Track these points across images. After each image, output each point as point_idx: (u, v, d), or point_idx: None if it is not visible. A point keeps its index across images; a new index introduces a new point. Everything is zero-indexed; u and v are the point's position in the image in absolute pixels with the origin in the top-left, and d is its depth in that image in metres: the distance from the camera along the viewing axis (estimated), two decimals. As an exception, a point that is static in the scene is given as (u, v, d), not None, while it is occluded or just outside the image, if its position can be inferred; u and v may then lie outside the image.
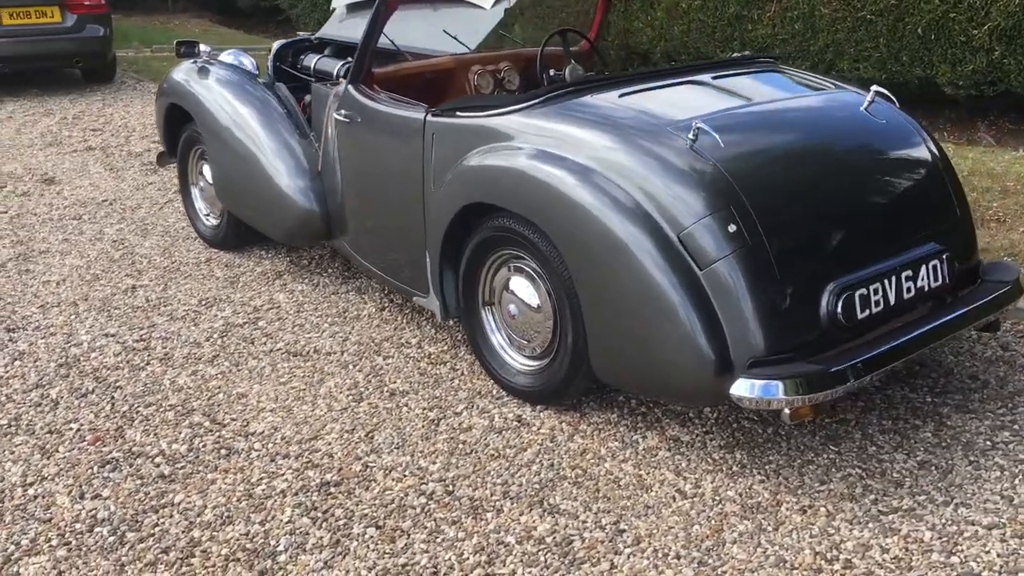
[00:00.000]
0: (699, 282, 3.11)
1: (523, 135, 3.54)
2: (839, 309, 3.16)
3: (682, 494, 3.17)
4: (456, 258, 3.84)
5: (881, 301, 3.29)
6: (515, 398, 3.76)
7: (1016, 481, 3.18)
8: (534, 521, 3.04)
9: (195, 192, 5.62)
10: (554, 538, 2.96)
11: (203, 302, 4.77)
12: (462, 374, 3.98)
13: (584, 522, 3.04)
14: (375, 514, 3.08)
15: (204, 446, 3.49)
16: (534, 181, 3.40)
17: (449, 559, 2.88)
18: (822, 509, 3.07)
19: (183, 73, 5.35)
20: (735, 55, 4.49)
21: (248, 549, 2.93)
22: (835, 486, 3.19)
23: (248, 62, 5.50)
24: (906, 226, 3.49)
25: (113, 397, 3.85)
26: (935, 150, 3.77)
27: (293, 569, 2.85)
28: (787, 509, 3.08)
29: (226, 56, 5.56)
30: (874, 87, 3.79)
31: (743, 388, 3.01)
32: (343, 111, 4.33)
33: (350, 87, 4.31)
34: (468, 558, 2.88)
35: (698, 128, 3.22)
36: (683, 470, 3.30)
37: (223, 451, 3.46)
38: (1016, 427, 3.49)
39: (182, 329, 4.46)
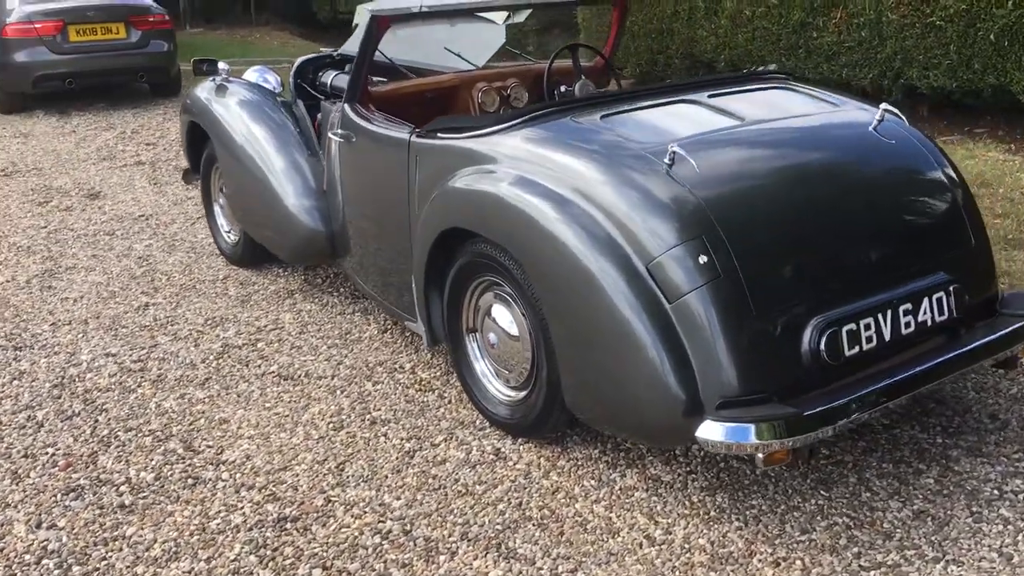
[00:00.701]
0: (668, 316, 2.91)
1: (501, 158, 3.39)
2: (822, 346, 2.93)
3: (651, 540, 2.98)
4: (441, 283, 3.71)
5: (874, 337, 3.05)
6: (497, 429, 3.61)
7: (1019, 537, 2.90)
8: (487, 566, 2.88)
9: (217, 209, 5.62)
10: (503, 586, 2.81)
11: (209, 321, 4.74)
12: (449, 402, 3.85)
13: (540, 569, 2.87)
14: (325, 554, 2.97)
15: (172, 475, 3.42)
16: (507, 207, 3.25)
17: (388, 606, 2.75)
18: (798, 562, 2.85)
19: (204, 91, 5.35)
20: (746, 70, 4.25)
21: (187, 588, 2.85)
22: (818, 536, 2.96)
23: (272, 79, 5.48)
24: (908, 255, 3.24)
25: (97, 420, 3.82)
26: (950, 173, 3.49)
27: (228, 611, 2.76)
28: (760, 560, 2.87)
29: (251, 73, 5.54)
30: (883, 105, 3.54)
31: (711, 431, 2.81)
32: (339, 130, 4.25)
33: (346, 106, 4.22)
34: (408, 605, 2.75)
35: (673, 152, 3.03)
36: (657, 513, 3.10)
37: (189, 480, 3.39)
38: (1031, 474, 3.21)
39: (182, 350, 4.43)
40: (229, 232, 5.54)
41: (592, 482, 3.28)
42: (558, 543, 2.98)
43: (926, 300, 3.18)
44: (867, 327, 3.05)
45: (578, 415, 3.24)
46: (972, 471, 3.24)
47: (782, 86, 3.88)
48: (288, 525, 3.11)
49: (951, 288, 3.23)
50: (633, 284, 2.95)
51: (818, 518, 3.04)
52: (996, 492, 3.12)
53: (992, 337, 3.24)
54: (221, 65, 5.31)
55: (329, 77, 5.17)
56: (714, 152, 3.20)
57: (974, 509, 3.04)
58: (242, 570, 2.91)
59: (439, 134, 3.65)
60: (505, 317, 3.47)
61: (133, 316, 4.85)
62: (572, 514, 3.11)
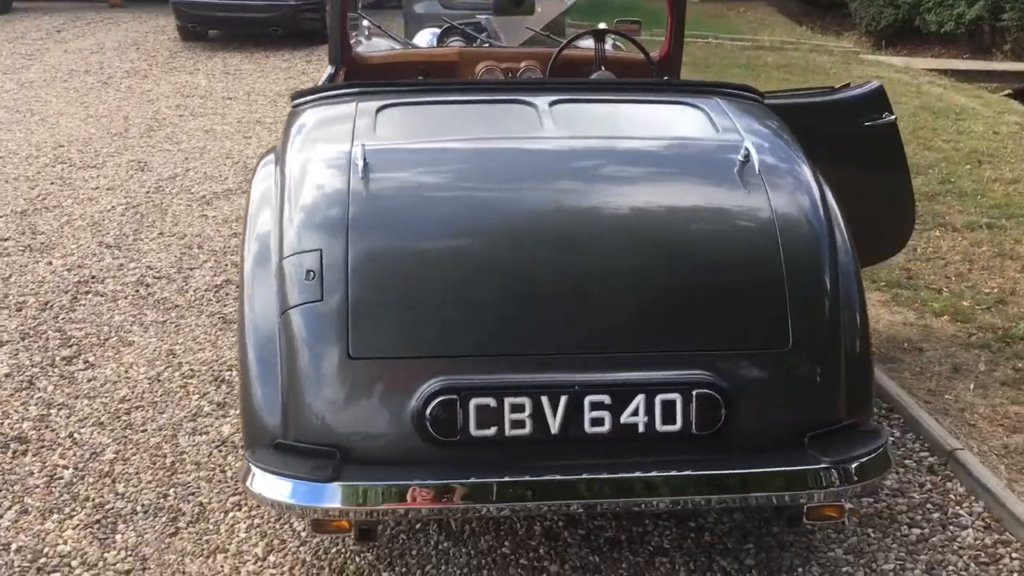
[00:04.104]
0: (274, 329, 2.54)
1: (291, 133, 3.15)
2: (428, 414, 2.36)
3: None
4: None
5: (529, 423, 2.36)
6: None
7: None
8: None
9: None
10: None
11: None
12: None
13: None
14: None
15: (20, 374, 3.72)
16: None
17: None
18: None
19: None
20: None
21: None
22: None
23: None
24: (641, 338, 2.44)
25: (68, 317, 4.24)
26: (809, 254, 2.55)
27: None
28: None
29: (423, 33, 5.60)
30: (746, 144, 2.68)
31: (245, 473, 2.43)
32: (321, 91, 4.19)
33: (329, 69, 4.15)
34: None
35: (363, 155, 2.62)
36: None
37: (24, 383, 3.65)
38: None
39: (199, 277, 4.69)
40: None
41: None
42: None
43: (641, 399, 2.39)
44: (518, 408, 2.37)
45: None
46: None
47: (692, 104, 3.08)
48: (12, 445, 3.26)
49: (694, 393, 2.39)
50: (262, 285, 2.61)
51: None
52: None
53: (734, 471, 2.37)
54: (364, 23, 5.41)
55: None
56: (421, 164, 2.73)
57: None
58: None
59: (293, 101, 3.46)
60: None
61: (222, 240, 5.23)
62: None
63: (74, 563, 2.71)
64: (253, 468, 2.40)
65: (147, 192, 6.04)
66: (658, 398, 2.37)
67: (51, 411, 3.48)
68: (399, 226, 2.55)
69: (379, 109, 2.97)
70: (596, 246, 2.52)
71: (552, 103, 2.98)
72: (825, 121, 3.75)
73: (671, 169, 2.75)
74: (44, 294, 4.48)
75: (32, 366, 3.80)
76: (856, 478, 2.39)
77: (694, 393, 2.37)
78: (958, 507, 2.95)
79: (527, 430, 2.36)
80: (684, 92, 3.17)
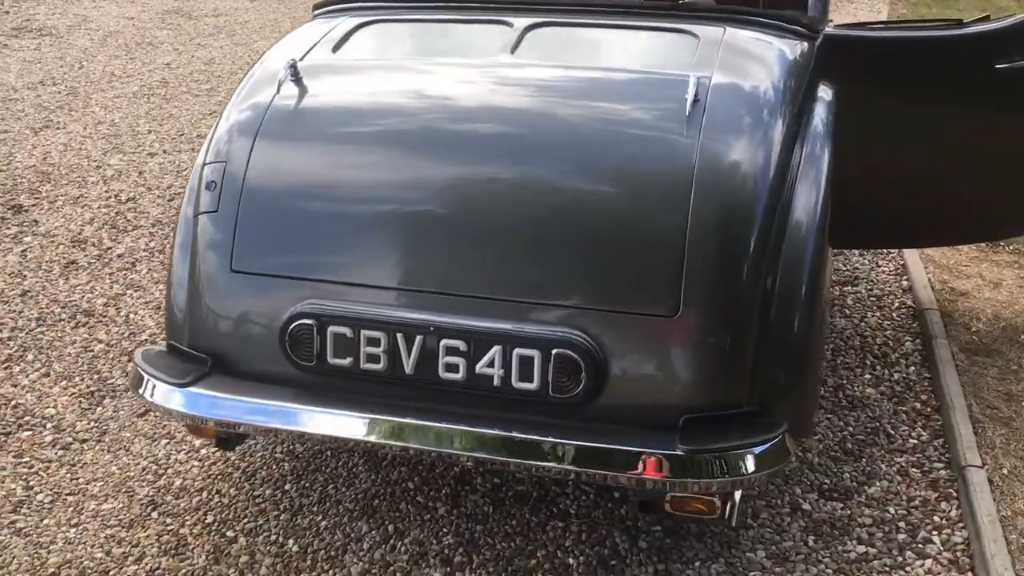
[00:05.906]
0: (191, 230, 2.61)
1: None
2: (288, 336, 2.35)
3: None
4: None
5: (383, 359, 2.29)
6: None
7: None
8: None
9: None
10: None
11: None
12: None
13: None
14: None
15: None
16: None
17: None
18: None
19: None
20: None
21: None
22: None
23: None
24: (516, 285, 2.25)
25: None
26: (725, 216, 2.23)
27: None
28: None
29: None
30: (695, 76, 2.35)
31: (145, 383, 2.51)
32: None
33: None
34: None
35: (288, 71, 2.61)
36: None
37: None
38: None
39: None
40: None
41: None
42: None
43: (497, 350, 2.23)
44: (373, 342, 2.31)
45: None
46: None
47: (683, 30, 2.74)
48: (78, 316, 3.62)
49: (553, 352, 2.20)
50: (194, 186, 2.69)
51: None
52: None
53: (594, 444, 2.16)
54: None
55: None
56: (349, 84, 2.70)
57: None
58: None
59: (313, 11, 3.42)
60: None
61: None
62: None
63: (48, 425, 3.00)
64: (136, 363, 2.51)
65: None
66: (516, 352, 2.21)
67: (128, 291, 3.81)
68: (300, 146, 2.54)
69: (358, 26, 2.92)
70: (484, 184, 2.38)
71: (530, 27, 2.78)
72: (934, 62, 3.19)
73: (600, 104, 2.46)
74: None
75: (144, 250, 4.17)
76: (715, 472, 2.11)
77: (553, 352, 2.17)
78: (935, 532, 2.48)
79: (381, 366, 2.30)
80: (692, 19, 2.80)
